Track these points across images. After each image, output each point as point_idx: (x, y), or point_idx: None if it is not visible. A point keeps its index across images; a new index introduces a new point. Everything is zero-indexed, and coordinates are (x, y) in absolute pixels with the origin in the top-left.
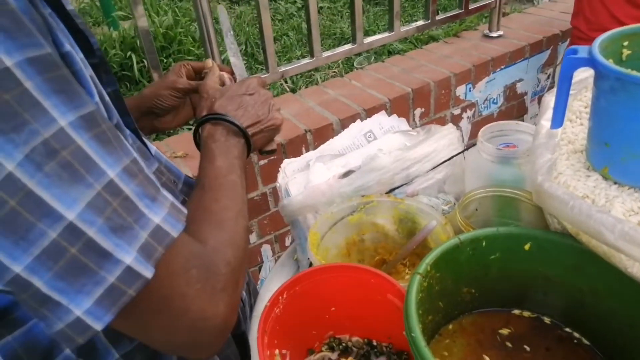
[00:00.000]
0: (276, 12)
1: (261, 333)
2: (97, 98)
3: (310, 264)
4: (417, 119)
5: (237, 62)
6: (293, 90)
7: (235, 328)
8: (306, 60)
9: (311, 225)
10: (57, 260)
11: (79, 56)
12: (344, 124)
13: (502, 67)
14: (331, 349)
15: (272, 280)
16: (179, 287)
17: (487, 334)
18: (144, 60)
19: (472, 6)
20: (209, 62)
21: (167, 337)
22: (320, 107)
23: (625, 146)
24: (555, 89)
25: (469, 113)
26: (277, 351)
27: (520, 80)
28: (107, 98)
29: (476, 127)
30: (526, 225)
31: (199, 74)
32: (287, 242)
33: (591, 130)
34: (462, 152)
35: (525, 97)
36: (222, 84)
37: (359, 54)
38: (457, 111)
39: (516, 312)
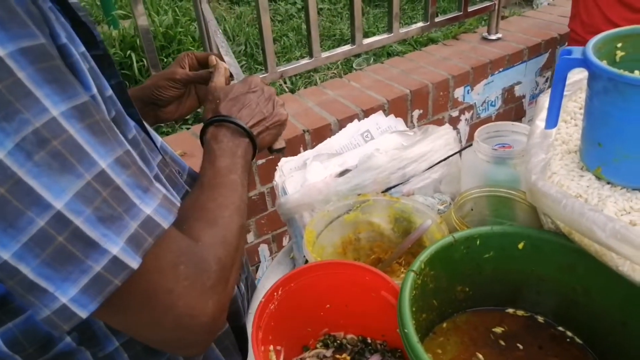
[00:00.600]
0: (276, 13)
1: (255, 329)
2: (94, 90)
3: (306, 262)
4: (415, 121)
5: (232, 61)
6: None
7: (235, 320)
8: (305, 61)
9: (307, 223)
10: (45, 248)
11: (79, 49)
12: (342, 124)
13: (501, 69)
14: (326, 346)
15: (269, 277)
16: (165, 283)
17: (481, 332)
18: (144, 60)
19: (471, 9)
20: (213, 59)
21: (153, 332)
22: (319, 108)
23: (618, 147)
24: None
25: (467, 115)
26: (271, 347)
27: (519, 83)
28: (109, 91)
29: (474, 129)
30: (521, 225)
31: (203, 65)
32: (285, 241)
33: (585, 130)
34: (459, 152)
35: (523, 100)
36: (228, 80)
37: (358, 55)
38: (455, 113)
39: (510, 310)
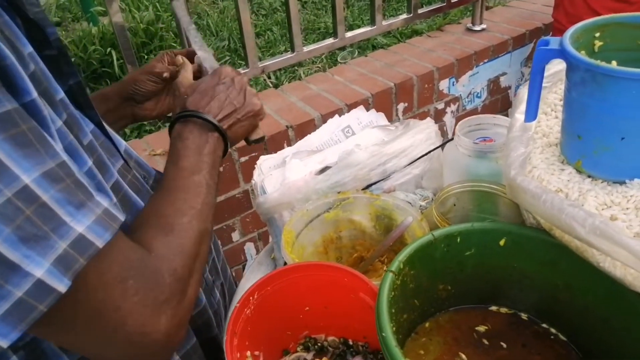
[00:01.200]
0: (260, 7)
1: (230, 335)
2: (33, 95)
3: (286, 263)
4: (400, 114)
5: (206, 55)
6: (276, 86)
7: (206, 332)
8: (287, 55)
9: (286, 224)
10: None
11: (26, 50)
12: (326, 119)
13: (486, 60)
14: (306, 349)
15: (249, 279)
16: (112, 300)
17: (464, 331)
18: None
19: None
20: (179, 59)
21: (104, 351)
22: (303, 103)
23: (597, 139)
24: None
25: (453, 107)
26: (248, 352)
27: (504, 74)
28: (61, 94)
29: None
30: (504, 220)
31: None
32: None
33: (564, 123)
34: (440, 146)
35: (509, 91)
36: (198, 74)
37: (342, 49)
38: (440, 105)
39: (493, 308)
